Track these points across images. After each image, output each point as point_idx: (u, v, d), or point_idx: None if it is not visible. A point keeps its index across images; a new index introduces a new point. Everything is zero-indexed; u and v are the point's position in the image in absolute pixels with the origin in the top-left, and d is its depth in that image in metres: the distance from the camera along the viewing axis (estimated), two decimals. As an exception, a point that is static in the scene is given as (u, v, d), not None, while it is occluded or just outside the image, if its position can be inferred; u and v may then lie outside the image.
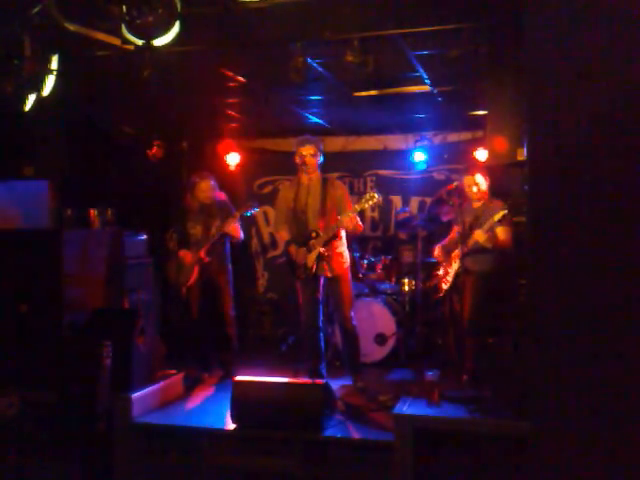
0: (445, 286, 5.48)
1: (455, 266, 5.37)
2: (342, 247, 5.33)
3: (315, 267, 5.18)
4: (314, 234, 5.18)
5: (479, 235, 5.13)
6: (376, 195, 5.06)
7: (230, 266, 5.93)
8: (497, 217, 5.04)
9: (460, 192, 5.52)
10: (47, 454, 4.67)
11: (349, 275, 5.39)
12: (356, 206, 5.11)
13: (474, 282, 5.28)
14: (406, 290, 6.69)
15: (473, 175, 5.38)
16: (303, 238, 5.23)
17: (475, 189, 5.34)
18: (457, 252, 5.39)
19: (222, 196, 5.99)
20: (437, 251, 5.68)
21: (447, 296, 5.60)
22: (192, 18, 3.97)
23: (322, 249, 5.15)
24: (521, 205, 5.30)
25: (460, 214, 5.49)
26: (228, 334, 5.88)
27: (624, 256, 2.11)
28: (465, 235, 5.32)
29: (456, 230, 5.50)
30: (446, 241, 5.72)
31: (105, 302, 5.67)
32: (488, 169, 5.49)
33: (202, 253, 5.71)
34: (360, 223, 5.30)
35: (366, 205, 5.11)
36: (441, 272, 5.60)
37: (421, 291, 6.32)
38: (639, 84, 2.08)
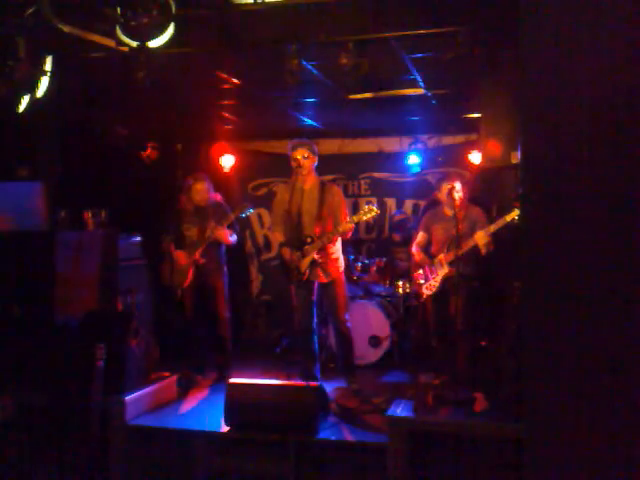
0: (428, 292, 5.40)
1: (443, 271, 5.28)
2: (337, 253, 5.32)
3: (308, 272, 5.18)
4: (309, 240, 5.17)
5: (481, 237, 5.05)
6: (375, 208, 5.05)
7: (226, 268, 5.93)
8: (510, 217, 4.92)
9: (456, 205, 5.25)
10: (41, 456, 4.65)
11: (343, 278, 5.39)
12: (354, 217, 5.09)
13: (466, 285, 5.19)
14: (400, 292, 6.69)
15: (452, 182, 5.27)
16: (298, 242, 5.23)
17: (457, 196, 5.20)
18: (443, 256, 5.31)
19: (217, 197, 5.99)
20: (419, 255, 5.54)
21: (429, 301, 5.51)
22: (187, 20, 3.97)
23: (316, 256, 5.14)
24: (515, 208, 5.30)
25: (437, 221, 5.45)
26: (222, 336, 5.87)
27: (619, 257, 2.12)
28: (453, 240, 5.15)
29: (440, 233, 5.43)
30: (417, 244, 5.61)
31: (99, 304, 5.64)
32: (474, 174, 5.46)
33: (197, 255, 5.71)
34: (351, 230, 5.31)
35: (364, 218, 5.10)
36: (421, 276, 5.50)
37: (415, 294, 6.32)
38: (636, 86, 2.08)
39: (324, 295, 5.42)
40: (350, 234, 5.35)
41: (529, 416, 2.28)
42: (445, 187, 5.32)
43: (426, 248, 5.62)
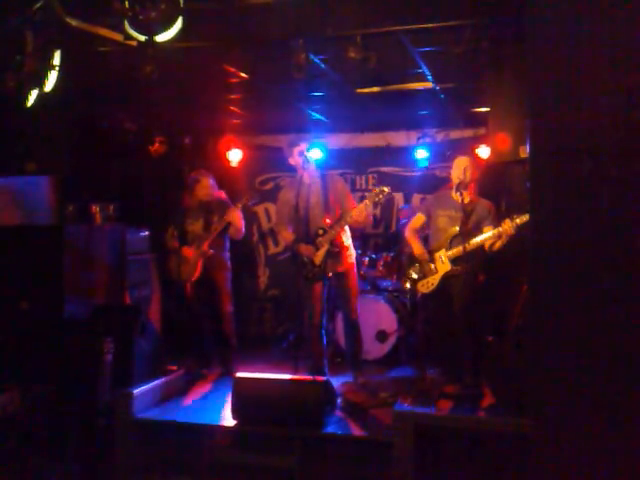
0: (424, 290, 5.10)
1: (444, 268, 4.98)
2: (348, 240, 5.35)
3: (324, 264, 5.17)
4: (321, 232, 5.18)
5: (508, 227, 4.69)
6: (386, 188, 4.97)
7: (229, 262, 5.92)
8: (520, 220, 4.61)
9: (464, 186, 4.96)
10: (48, 450, 4.67)
11: (355, 268, 5.41)
12: (367, 201, 5.03)
13: (470, 282, 5.03)
14: (407, 287, 6.66)
15: (467, 156, 4.99)
16: (309, 236, 5.23)
17: (467, 174, 4.89)
18: (445, 253, 4.97)
19: (222, 195, 6.00)
20: (418, 248, 5.17)
21: (428, 297, 5.21)
22: (195, 14, 3.97)
23: (330, 246, 5.15)
24: (523, 202, 5.28)
25: (441, 207, 5.10)
26: (225, 331, 5.87)
27: (625, 253, 2.11)
28: (457, 236, 4.93)
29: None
30: (412, 228, 5.31)
31: (106, 298, 5.67)
32: (482, 168, 5.28)
33: (205, 246, 5.66)
34: (370, 215, 5.23)
35: (376, 199, 4.99)
36: (416, 271, 5.16)
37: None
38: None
39: (336, 285, 5.41)
40: (370, 219, 5.26)
41: (534, 412, 2.27)
42: (461, 161, 4.95)
43: (421, 235, 5.32)
